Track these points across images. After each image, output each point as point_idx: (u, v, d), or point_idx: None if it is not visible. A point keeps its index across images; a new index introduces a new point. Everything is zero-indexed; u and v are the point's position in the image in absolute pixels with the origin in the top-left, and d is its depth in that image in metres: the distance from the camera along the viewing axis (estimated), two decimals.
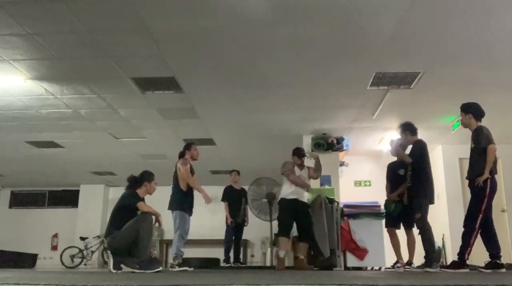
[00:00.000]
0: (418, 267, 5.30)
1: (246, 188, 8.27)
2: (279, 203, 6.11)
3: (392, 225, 5.79)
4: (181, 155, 6.06)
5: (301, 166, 6.12)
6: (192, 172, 5.87)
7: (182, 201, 5.69)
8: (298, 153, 6.17)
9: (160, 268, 4.98)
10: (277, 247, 6.05)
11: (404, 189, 5.56)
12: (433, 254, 5.07)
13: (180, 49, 5.04)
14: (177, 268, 5.52)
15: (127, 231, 4.96)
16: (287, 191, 5.95)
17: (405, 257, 5.71)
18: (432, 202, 5.21)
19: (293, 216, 5.93)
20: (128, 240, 4.94)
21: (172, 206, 5.75)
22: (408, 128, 5.49)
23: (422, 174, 5.18)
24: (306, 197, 6.09)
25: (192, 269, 5.93)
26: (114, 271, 4.84)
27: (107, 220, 14.23)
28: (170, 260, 9.44)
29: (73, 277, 3.33)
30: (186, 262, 6.01)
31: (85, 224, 12.65)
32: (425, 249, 5.10)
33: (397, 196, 5.66)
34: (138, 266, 4.83)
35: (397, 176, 5.77)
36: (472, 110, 4.80)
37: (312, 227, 6.05)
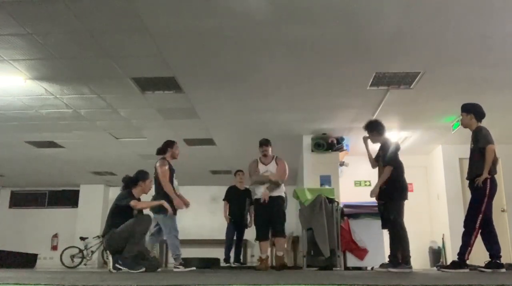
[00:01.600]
0: (381, 265, 5.26)
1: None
2: (254, 204, 6.19)
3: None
4: (160, 152, 5.84)
5: (266, 158, 6.03)
6: (172, 171, 5.71)
7: (168, 204, 5.48)
8: (260, 143, 6.08)
9: (143, 269, 4.90)
10: (260, 250, 6.11)
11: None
12: (401, 253, 4.99)
13: (180, 49, 5.04)
14: (182, 268, 5.43)
15: (123, 230, 4.98)
16: (259, 190, 5.98)
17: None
18: (406, 198, 5.09)
19: (267, 214, 5.90)
20: (124, 239, 4.95)
21: (158, 210, 5.55)
22: (375, 128, 5.37)
23: (392, 175, 5.04)
24: (281, 190, 6.03)
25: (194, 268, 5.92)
26: (113, 271, 4.85)
27: None
28: (171, 260, 9.37)
29: (73, 277, 3.32)
30: (186, 262, 5.99)
31: (85, 224, 12.65)
32: (391, 248, 5.10)
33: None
34: (121, 263, 4.85)
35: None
36: (474, 111, 4.79)
37: (283, 221, 6.02)
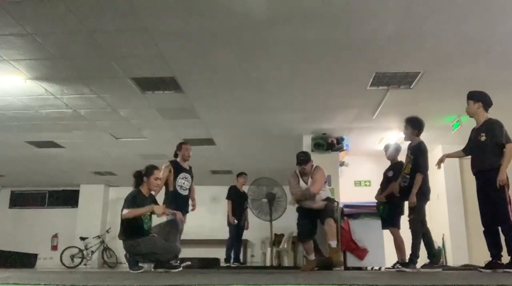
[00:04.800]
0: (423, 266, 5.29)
1: (245, 188, 8.29)
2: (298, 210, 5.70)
3: (386, 226, 5.86)
4: (175, 155, 6.15)
5: (305, 174, 5.52)
6: (179, 171, 5.86)
7: (171, 203, 5.61)
8: (297, 160, 5.55)
9: (141, 270, 4.87)
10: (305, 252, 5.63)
11: (392, 190, 5.62)
12: (413, 256, 5.00)
13: (180, 49, 5.04)
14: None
15: (148, 251, 4.84)
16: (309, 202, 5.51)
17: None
18: (428, 199, 5.15)
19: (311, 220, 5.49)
20: (146, 254, 4.90)
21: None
22: (418, 126, 5.24)
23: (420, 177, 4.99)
24: (327, 193, 5.61)
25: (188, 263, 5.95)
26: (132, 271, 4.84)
27: (107, 219, 14.16)
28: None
29: (73, 277, 3.33)
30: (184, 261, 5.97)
31: (85, 224, 12.66)
32: (412, 249, 5.04)
33: (384, 197, 5.75)
34: (128, 258, 4.90)
35: (386, 178, 5.92)
36: (482, 99, 4.59)
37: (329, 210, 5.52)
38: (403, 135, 8.17)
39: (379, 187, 6.09)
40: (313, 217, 5.49)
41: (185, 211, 5.82)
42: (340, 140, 8.16)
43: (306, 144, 8.24)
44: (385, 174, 6.04)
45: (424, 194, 5.06)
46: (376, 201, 6.05)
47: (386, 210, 5.77)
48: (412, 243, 5.03)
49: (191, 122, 7.62)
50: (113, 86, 6.09)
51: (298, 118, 7.48)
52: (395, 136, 8.06)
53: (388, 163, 6.13)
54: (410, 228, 5.11)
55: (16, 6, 4.13)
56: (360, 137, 8.49)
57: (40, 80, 5.83)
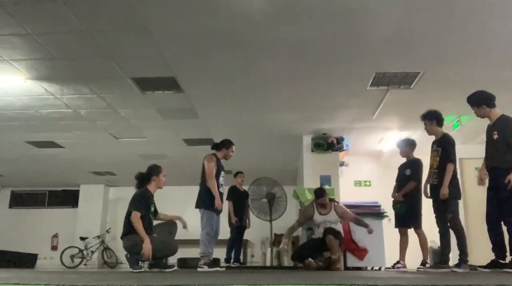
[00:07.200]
0: (430, 267, 5.26)
1: (245, 188, 8.29)
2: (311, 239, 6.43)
3: (400, 225, 5.80)
4: (214, 146, 5.89)
5: (325, 208, 6.11)
6: (219, 168, 5.70)
7: (209, 199, 5.50)
8: (316, 194, 6.13)
9: (141, 270, 4.90)
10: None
11: (409, 189, 5.60)
12: (462, 255, 4.83)
13: (180, 49, 5.04)
14: (206, 268, 5.34)
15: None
16: (319, 230, 6.15)
17: (411, 256, 5.72)
18: (460, 198, 5.00)
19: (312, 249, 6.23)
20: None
21: (199, 204, 5.60)
22: (436, 118, 5.20)
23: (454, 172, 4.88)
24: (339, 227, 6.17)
25: (224, 269, 5.91)
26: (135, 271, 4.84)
27: (107, 220, 14.17)
28: (171, 261, 9.35)
29: (73, 277, 3.32)
30: (188, 261, 5.96)
31: (85, 224, 12.67)
32: (459, 249, 4.88)
33: (401, 196, 5.69)
34: (128, 257, 4.93)
35: (403, 176, 5.80)
36: (483, 101, 4.60)
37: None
38: (404, 136, 8.23)
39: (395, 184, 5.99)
40: (316, 246, 6.14)
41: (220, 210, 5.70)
42: (340, 140, 8.17)
43: (306, 144, 8.25)
44: (401, 171, 5.90)
45: (456, 189, 4.91)
46: (376, 201, 6.04)
47: (403, 209, 5.68)
48: (458, 243, 4.85)
49: (191, 122, 7.62)
50: (113, 86, 6.09)
51: (298, 118, 7.48)
52: (395, 136, 8.06)
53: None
54: (451, 227, 4.93)
55: (16, 6, 4.13)
56: (360, 137, 8.49)
57: (40, 80, 5.83)
